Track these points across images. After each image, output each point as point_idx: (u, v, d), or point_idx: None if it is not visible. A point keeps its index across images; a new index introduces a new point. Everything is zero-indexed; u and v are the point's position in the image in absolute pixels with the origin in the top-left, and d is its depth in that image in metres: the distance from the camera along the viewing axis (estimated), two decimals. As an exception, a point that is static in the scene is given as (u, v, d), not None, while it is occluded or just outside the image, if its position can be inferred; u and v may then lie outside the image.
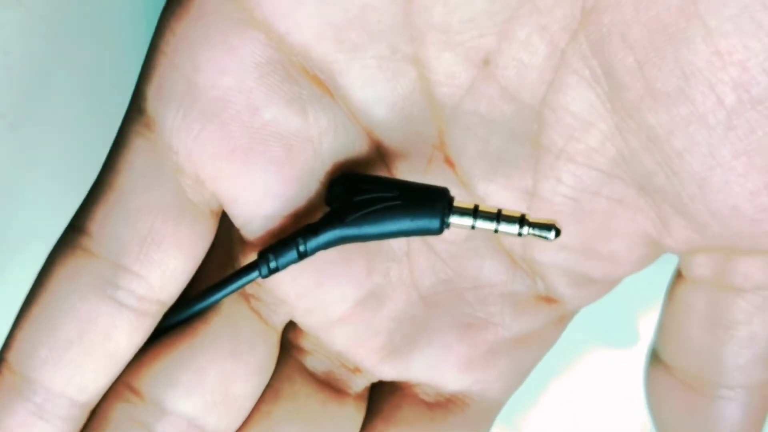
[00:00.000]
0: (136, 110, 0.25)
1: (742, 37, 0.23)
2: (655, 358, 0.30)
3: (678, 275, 0.29)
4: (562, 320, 0.29)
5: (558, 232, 0.24)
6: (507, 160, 0.26)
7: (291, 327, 0.28)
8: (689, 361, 0.29)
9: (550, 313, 0.28)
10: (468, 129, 0.26)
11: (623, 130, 0.25)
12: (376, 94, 0.25)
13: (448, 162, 0.26)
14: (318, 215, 0.25)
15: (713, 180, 0.24)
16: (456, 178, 0.26)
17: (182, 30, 0.24)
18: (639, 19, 0.23)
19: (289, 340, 0.28)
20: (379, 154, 0.26)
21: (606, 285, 0.28)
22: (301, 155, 0.25)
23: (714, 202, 0.25)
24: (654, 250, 0.27)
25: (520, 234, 0.24)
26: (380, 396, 0.28)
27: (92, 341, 0.24)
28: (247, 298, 0.27)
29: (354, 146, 0.26)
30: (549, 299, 0.28)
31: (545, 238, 0.24)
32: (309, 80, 0.25)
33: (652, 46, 0.23)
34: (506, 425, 0.42)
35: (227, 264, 0.27)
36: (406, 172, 0.26)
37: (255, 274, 0.25)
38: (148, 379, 0.25)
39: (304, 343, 0.28)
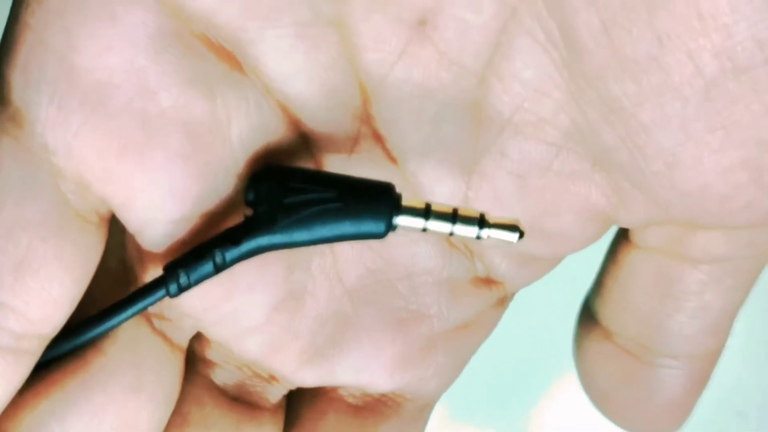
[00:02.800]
0: None
1: None
2: (590, 318, 0.29)
3: (624, 240, 0.27)
4: (502, 303, 0.27)
5: (522, 234, 0.22)
6: (444, 132, 0.23)
7: (196, 337, 0.25)
8: (632, 327, 0.28)
9: (489, 297, 0.26)
10: (399, 100, 0.23)
11: (581, 100, 0.22)
12: (295, 66, 0.22)
13: (377, 137, 0.23)
14: (233, 218, 0.22)
15: (683, 156, 0.22)
16: (385, 154, 0.24)
17: None
18: None
19: (194, 352, 0.25)
20: (300, 134, 0.23)
21: (550, 263, 0.26)
22: (209, 144, 0.22)
23: (682, 179, 0.23)
24: (605, 226, 0.25)
25: (479, 237, 0.22)
26: (300, 403, 0.26)
27: None
28: (148, 318, 0.24)
29: (270, 128, 0.23)
30: (488, 281, 0.26)
31: (508, 241, 0.22)
32: (214, 54, 0.22)
33: (621, 6, 0.21)
34: (507, 425, 0.42)
35: (122, 279, 0.24)
36: (330, 150, 0.23)
37: (161, 292, 0.22)
38: (30, 424, 0.22)
39: (211, 354, 0.25)
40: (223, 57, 0.22)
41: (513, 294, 0.27)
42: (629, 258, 0.27)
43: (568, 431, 0.42)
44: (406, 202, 0.22)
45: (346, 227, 0.22)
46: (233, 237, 0.21)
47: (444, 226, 0.22)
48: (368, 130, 0.23)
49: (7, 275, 0.21)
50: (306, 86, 0.22)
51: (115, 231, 0.23)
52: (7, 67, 0.21)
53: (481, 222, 0.22)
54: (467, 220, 0.22)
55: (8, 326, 0.21)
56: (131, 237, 0.23)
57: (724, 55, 0.21)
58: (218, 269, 0.22)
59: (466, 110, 0.23)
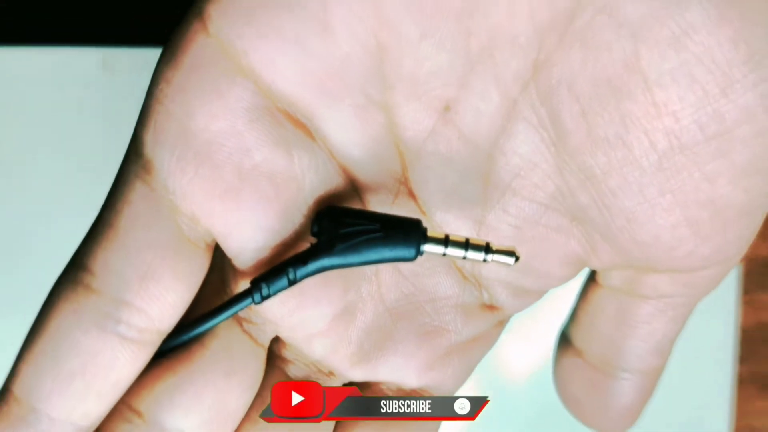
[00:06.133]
0: (134, 154, 0.24)
1: (678, 89, 0.22)
2: (566, 341, 0.31)
3: (593, 281, 0.30)
4: (501, 323, 0.29)
5: (517, 258, 0.24)
6: (461, 193, 0.26)
7: (275, 340, 0.27)
8: (598, 348, 0.30)
9: (492, 319, 0.29)
10: (429, 167, 0.25)
11: (563, 169, 0.25)
12: (351, 137, 0.24)
13: (411, 195, 0.26)
14: (302, 245, 0.25)
15: (640, 214, 0.25)
16: (417, 207, 0.26)
17: (175, 78, 0.23)
18: (585, 73, 0.23)
19: (273, 352, 0.27)
20: (354, 188, 0.26)
21: (538, 294, 0.29)
22: (286, 192, 0.24)
23: (639, 232, 0.25)
24: (580, 267, 0.28)
25: (485, 260, 0.24)
26: None
27: (95, 373, 0.23)
28: (239, 321, 0.26)
29: (332, 182, 0.25)
30: (492, 307, 0.29)
31: (506, 264, 0.24)
32: (293, 124, 0.24)
33: (596, 97, 0.23)
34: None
35: (221, 289, 0.26)
36: (376, 203, 0.26)
37: (248, 300, 0.24)
38: (148, 400, 0.24)
39: (286, 353, 0.28)
40: (299, 127, 0.24)
41: (509, 317, 0.29)
42: (596, 295, 0.30)
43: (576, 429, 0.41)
44: (430, 233, 0.24)
45: (386, 252, 0.24)
46: (302, 259, 0.24)
47: (459, 252, 0.24)
48: (405, 189, 0.26)
49: (135, 283, 0.23)
50: (360, 153, 0.24)
51: (217, 254, 0.25)
52: (142, 130, 0.23)
53: (487, 249, 0.24)
54: (476, 247, 0.24)
55: (135, 322, 0.23)
56: (228, 259, 0.25)
57: (673, 135, 0.23)
58: (291, 283, 0.24)
59: (477, 177, 0.25)
